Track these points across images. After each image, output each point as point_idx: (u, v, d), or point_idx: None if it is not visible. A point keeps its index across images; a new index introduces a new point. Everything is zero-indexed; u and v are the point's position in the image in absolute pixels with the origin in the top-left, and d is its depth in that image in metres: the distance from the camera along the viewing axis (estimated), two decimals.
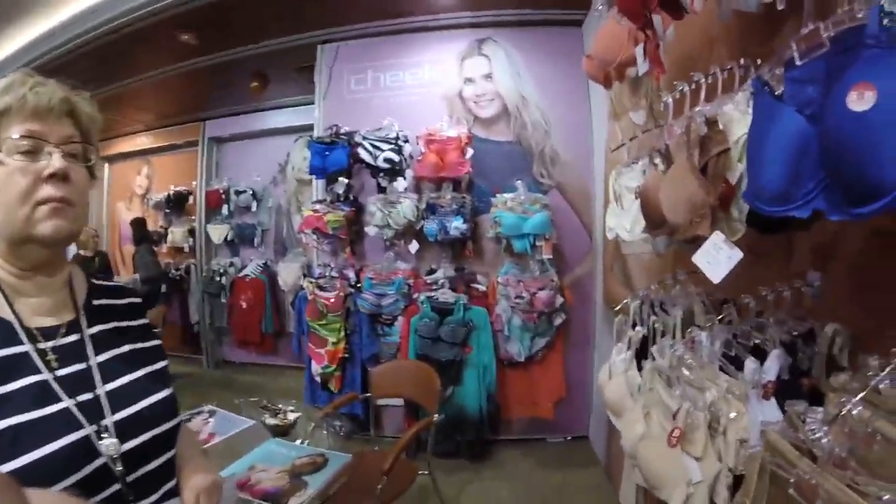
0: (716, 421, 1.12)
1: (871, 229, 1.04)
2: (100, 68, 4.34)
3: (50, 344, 0.82)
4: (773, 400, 1.11)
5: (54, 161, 0.79)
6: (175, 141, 6.32)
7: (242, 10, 3.53)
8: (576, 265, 3.57)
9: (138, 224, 5.61)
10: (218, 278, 5.73)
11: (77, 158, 0.83)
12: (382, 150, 3.48)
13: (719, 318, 1.39)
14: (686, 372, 1.21)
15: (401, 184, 3.52)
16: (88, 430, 0.77)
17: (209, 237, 5.89)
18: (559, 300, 3.27)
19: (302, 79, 4.60)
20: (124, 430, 0.81)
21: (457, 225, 3.31)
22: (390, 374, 2.80)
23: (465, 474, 3.19)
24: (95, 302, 0.92)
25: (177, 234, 6.11)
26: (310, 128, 4.25)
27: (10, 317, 0.79)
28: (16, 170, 0.77)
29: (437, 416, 2.38)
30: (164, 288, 6.00)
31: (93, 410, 0.79)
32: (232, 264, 5.80)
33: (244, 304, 5.56)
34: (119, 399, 0.83)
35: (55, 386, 0.78)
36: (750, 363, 1.16)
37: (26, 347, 0.78)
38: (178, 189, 6.20)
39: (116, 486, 0.78)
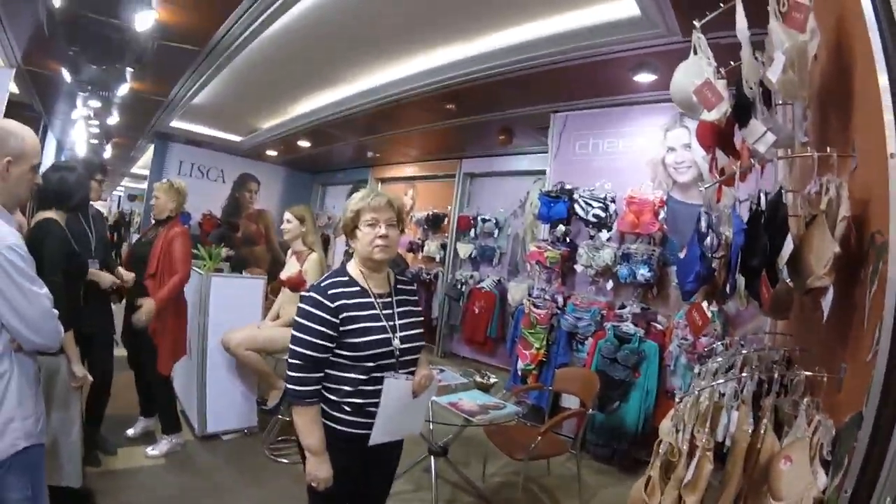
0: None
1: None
2: (384, 118, 6.49)
3: (380, 301, 1.89)
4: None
5: (382, 230, 1.83)
6: (436, 172, 8.52)
7: (494, 91, 5.04)
8: (748, 322, 4.25)
9: None
10: (459, 286, 7.50)
11: (394, 227, 1.88)
12: (593, 207, 4.72)
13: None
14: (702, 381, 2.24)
15: (605, 234, 4.74)
16: (390, 334, 1.84)
17: (457, 252, 7.78)
18: (719, 349, 4.06)
19: (540, 134, 6.07)
20: (402, 339, 1.87)
21: (643, 272, 4.37)
22: (570, 375, 4.07)
23: (609, 478, 4.17)
24: (398, 286, 2.00)
25: (431, 246, 8.11)
26: (545, 172, 5.62)
27: (367, 286, 1.88)
28: (367, 232, 1.84)
29: (590, 410, 3.56)
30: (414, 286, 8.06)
31: (393, 329, 1.86)
32: (472, 276, 7.48)
33: (476, 310, 7.15)
34: (403, 327, 1.90)
35: (381, 315, 1.86)
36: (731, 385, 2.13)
37: (372, 300, 1.87)
38: (435, 211, 8.26)
39: (393, 360, 1.84)
